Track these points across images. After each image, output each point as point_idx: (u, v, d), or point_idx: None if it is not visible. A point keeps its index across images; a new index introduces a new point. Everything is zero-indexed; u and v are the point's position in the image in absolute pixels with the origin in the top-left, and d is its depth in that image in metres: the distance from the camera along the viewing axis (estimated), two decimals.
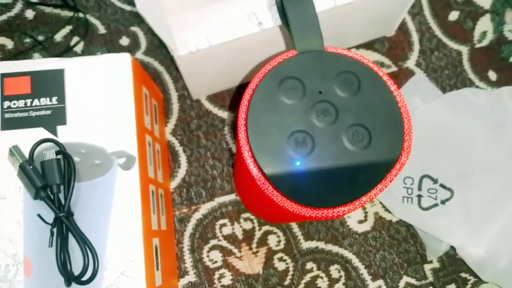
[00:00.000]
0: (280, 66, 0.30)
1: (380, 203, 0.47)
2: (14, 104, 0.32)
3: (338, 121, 0.28)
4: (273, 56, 0.31)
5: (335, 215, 0.27)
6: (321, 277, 0.45)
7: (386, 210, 0.47)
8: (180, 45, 0.38)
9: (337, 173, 0.27)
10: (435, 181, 0.45)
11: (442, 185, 0.45)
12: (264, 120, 0.28)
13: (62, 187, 0.31)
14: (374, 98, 0.29)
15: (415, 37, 0.52)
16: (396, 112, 0.28)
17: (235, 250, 0.45)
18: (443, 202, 0.45)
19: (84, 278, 0.30)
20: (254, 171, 0.28)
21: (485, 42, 0.53)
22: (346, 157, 0.28)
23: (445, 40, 0.52)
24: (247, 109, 0.28)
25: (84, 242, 0.30)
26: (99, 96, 0.33)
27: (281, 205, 0.27)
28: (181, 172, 0.47)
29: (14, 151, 0.31)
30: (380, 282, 0.46)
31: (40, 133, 0.32)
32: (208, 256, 0.45)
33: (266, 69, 0.30)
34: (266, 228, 0.46)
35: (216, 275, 0.45)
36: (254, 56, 0.42)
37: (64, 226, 0.30)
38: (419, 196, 0.45)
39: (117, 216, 0.31)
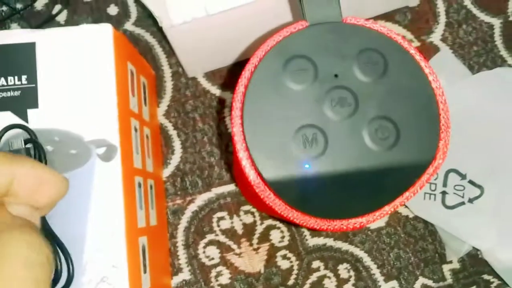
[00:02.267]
0: (286, 42, 0.26)
1: None
2: None
3: (358, 113, 0.25)
4: (280, 28, 0.28)
5: (351, 227, 0.24)
6: (329, 277, 0.44)
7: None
8: (173, 15, 0.35)
9: (355, 178, 0.24)
10: (463, 176, 0.42)
11: (471, 182, 0.42)
12: (265, 110, 0.25)
13: None
14: (404, 84, 0.25)
15: (441, 8, 0.48)
16: (432, 101, 0.25)
17: (234, 246, 0.44)
18: (471, 200, 0.42)
19: (58, 287, 0.27)
20: (251, 175, 0.24)
21: None
22: (366, 158, 0.25)
23: (475, 11, 0.48)
24: (243, 97, 0.25)
25: (56, 245, 0.27)
26: (76, 75, 0.31)
27: (285, 215, 0.24)
28: (175, 159, 0.45)
29: None
30: (394, 283, 0.44)
31: (8, 117, 0.30)
32: (204, 252, 0.44)
33: (268, 45, 0.26)
34: (268, 222, 0.44)
35: (213, 273, 0.43)
36: (259, 27, 0.39)
37: None
38: (444, 193, 0.42)
39: (96, 214, 0.29)
